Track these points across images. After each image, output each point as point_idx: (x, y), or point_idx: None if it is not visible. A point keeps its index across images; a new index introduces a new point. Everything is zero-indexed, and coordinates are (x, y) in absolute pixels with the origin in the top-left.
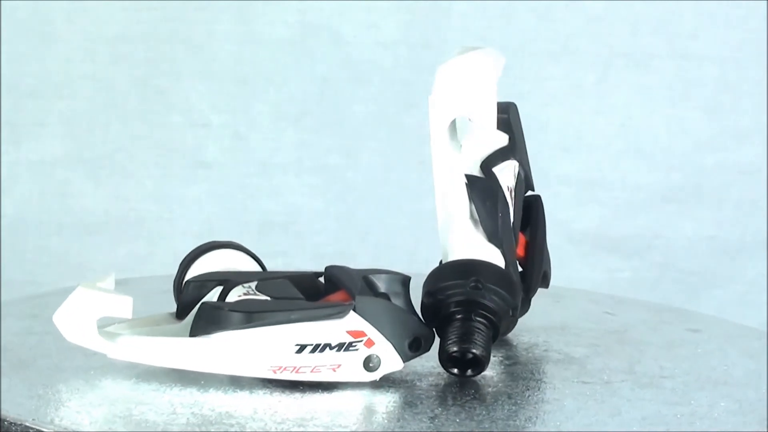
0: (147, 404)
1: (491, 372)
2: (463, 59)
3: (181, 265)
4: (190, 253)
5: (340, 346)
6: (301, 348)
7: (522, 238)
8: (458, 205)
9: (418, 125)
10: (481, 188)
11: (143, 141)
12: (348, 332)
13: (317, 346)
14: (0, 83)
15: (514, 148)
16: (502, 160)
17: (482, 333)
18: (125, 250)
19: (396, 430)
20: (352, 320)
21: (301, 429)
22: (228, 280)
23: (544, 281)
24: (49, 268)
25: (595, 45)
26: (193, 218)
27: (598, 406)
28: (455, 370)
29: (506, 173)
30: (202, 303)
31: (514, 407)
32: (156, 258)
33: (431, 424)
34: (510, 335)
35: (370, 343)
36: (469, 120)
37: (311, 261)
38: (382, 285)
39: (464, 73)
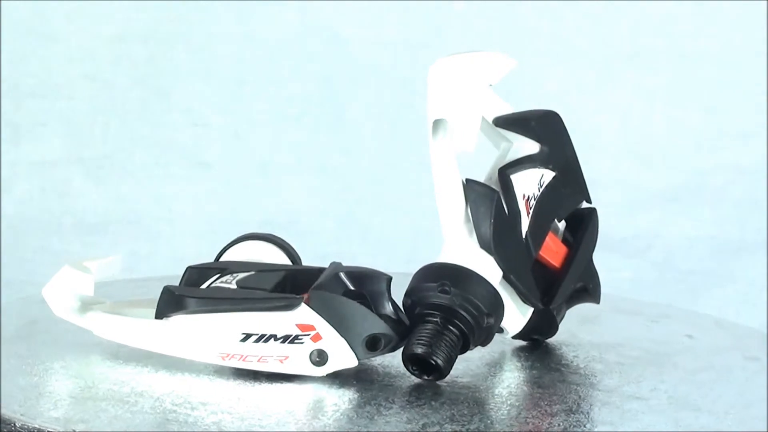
0: (77, 378)
1: (470, 379)
2: (448, 61)
3: (219, 253)
4: (231, 241)
5: (286, 338)
6: (246, 337)
7: (563, 250)
8: (453, 208)
9: (418, 125)
10: (477, 192)
11: (143, 141)
12: (297, 325)
13: (262, 336)
14: (0, 83)
15: (546, 157)
16: (525, 168)
17: (443, 338)
18: (125, 250)
19: (304, 430)
20: (303, 313)
21: (191, 411)
22: (226, 268)
23: (586, 296)
24: (49, 268)
25: (595, 45)
26: (193, 218)
27: (516, 418)
28: (416, 371)
29: (526, 181)
30: (165, 287)
31: (430, 410)
32: (156, 258)
33: (336, 424)
34: (550, 347)
35: (317, 338)
36: (441, 121)
37: (311, 261)
38: (352, 282)
39: (446, 75)
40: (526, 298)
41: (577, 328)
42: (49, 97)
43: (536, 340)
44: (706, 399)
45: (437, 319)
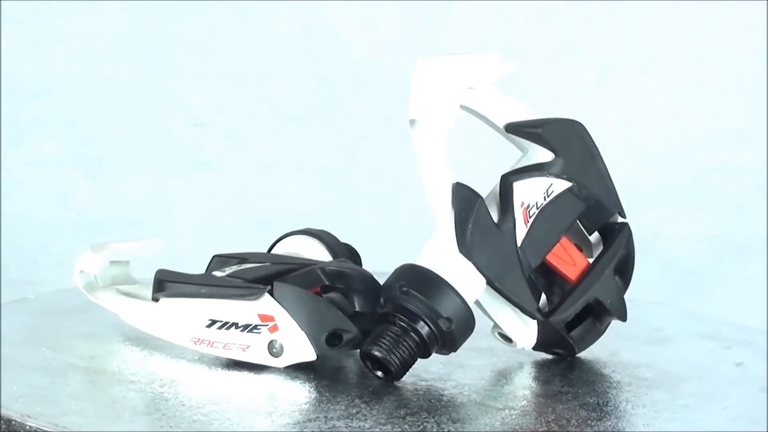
0: (59, 350)
1: (434, 383)
2: (426, 62)
3: (271, 245)
4: (283, 234)
5: (246, 327)
6: (212, 323)
7: (584, 264)
8: (440, 210)
9: None
10: (461, 197)
11: (143, 141)
12: (259, 315)
13: (225, 323)
14: (0, 83)
15: (560, 167)
16: (530, 176)
17: (401, 341)
18: None
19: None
20: (265, 304)
21: (111, 388)
22: (246, 258)
23: (606, 312)
24: (49, 268)
25: (595, 45)
26: (193, 218)
27: (422, 418)
28: (374, 368)
29: (529, 189)
30: (157, 270)
31: (382, 410)
32: (156, 258)
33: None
34: (575, 362)
35: (274, 329)
36: (414, 122)
37: None
38: (328, 278)
39: (421, 76)
40: (519, 308)
41: (628, 347)
42: (49, 97)
43: (559, 354)
44: (653, 422)
45: (395, 320)
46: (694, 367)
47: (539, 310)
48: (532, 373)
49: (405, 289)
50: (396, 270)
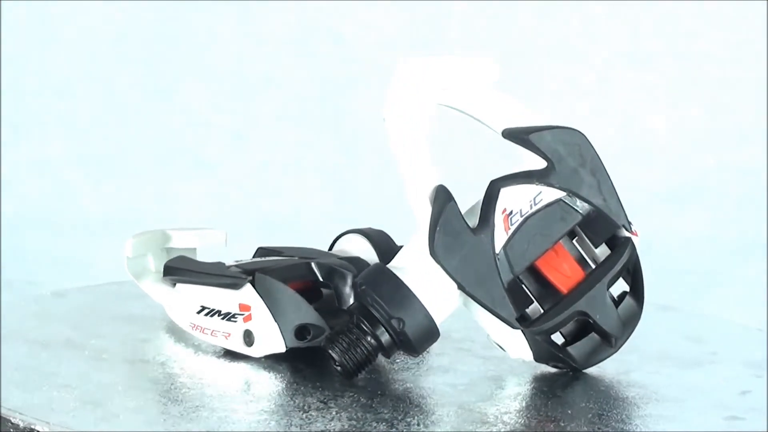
0: (75, 328)
1: (409, 384)
2: (403, 62)
3: (332, 242)
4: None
5: (226, 315)
6: (201, 309)
7: (579, 276)
8: (416, 212)
9: None
10: (438, 199)
11: (143, 141)
12: (239, 304)
13: (211, 310)
14: (0, 83)
15: (551, 176)
16: (516, 182)
17: (353, 337)
18: None
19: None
20: (246, 293)
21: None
22: (281, 252)
23: (599, 329)
24: (49, 268)
25: (595, 45)
26: (193, 218)
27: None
28: (335, 365)
29: (513, 196)
30: (178, 257)
31: (308, 410)
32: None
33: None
34: (575, 376)
35: (248, 319)
36: (384, 120)
37: None
38: (313, 275)
39: (397, 77)
40: (495, 316)
41: (649, 366)
42: (49, 97)
43: (560, 368)
44: None
45: (354, 318)
46: (692, 391)
47: (523, 318)
48: (515, 384)
49: (363, 287)
50: (366, 268)
